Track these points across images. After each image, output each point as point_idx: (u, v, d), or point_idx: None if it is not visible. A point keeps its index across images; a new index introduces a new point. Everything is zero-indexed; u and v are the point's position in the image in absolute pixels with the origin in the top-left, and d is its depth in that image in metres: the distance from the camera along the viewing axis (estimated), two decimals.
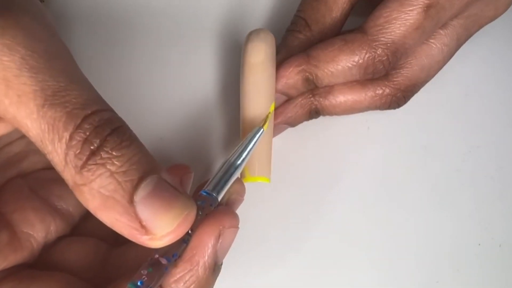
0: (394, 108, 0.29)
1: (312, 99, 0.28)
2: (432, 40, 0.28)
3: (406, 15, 0.25)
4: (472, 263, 0.29)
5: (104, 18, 0.32)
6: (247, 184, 0.25)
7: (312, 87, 0.28)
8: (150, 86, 0.31)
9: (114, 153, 0.18)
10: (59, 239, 0.23)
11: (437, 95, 0.31)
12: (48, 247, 0.23)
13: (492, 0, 0.28)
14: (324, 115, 0.29)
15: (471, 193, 0.31)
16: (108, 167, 0.18)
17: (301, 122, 0.29)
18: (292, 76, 0.27)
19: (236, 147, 0.24)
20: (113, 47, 0.31)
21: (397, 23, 0.26)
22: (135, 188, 0.18)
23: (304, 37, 0.28)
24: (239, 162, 0.23)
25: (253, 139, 0.24)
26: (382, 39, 0.26)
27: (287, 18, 0.30)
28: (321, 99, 0.28)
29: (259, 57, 0.26)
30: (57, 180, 0.23)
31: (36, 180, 0.23)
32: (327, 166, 0.30)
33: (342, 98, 0.28)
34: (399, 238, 0.30)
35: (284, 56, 0.28)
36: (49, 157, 0.18)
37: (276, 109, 0.28)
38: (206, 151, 0.30)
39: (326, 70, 0.27)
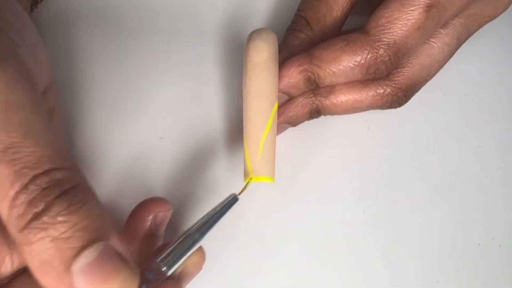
0: (395, 107, 0.29)
1: (313, 98, 0.28)
2: (433, 40, 0.28)
3: (407, 15, 0.25)
4: (472, 263, 0.29)
5: (104, 18, 0.31)
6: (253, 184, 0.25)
7: (314, 87, 0.28)
8: (150, 86, 0.31)
9: (58, 218, 0.17)
10: (16, 274, 0.22)
11: (437, 95, 0.31)
12: (4, 284, 0.22)
13: None
14: (325, 114, 0.29)
15: (471, 193, 0.31)
16: (50, 232, 0.17)
17: (302, 121, 0.29)
18: (294, 76, 0.27)
19: (205, 214, 0.23)
20: (113, 47, 0.31)
21: (399, 24, 0.26)
22: (74, 256, 0.17)
23: (305, 36, 0.28)
24: (198, 236, 0.22)
25: (224, 209, 0.23)
26: (384, 39, 0.26)
27: (287, 18, 0.30)
28: (322, 99, 0.28)
29: (262, 56, 0.26)
30: None
31: None
32: (327, 165, 0.30)
33: (343, 97, 0.28)
34: (399, 238, 0.30)
35: (285, 55, 0.28)
36: None
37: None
38: (206, 151, 0.30)
39: (328, 70, 0.26)
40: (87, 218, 0.18)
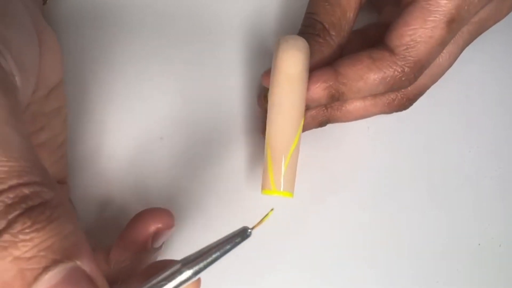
0: (399, 111, 0.30)
1: (325, 111, 0.29)
2: None
3: (430, 32, 0.25)
4: (472, 263, 0.30)
5: (104, 19, 0.31)
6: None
7: (331, 102, 0.28)
8: (150, 86, 0.30)
9: (20, 237, 0.16)
10: None
11: (438, 95, 0.31)
12: None
13: (499, 4, 0.28)
14: (332, 123, 0.30)
15: (471, 193, 0.31)
16: (10, 251, 0.16)
17: (309, 130, 0.29)
18: (318, 92, 0.26)
19: (205, 246, 0.19)
20: (113, 47, 0.31)
21: (423, 42, 0.26)
22: (35, 278, 0.16)
23: (324, 41, 0.27)
24: (191, 274, 0.18)
25: (230, 246, 0.19)
26: (409, 58, 0.26)
27: (298, 18, 0.29)
28: (333, 111, 0.29)
29: (298, 68, 0.25)
30: None
31: None
32: (327, 165, 0.30)
33: (353, 108, 0.29)
34: (399, 238, 0.30)
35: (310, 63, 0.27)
36: None
37: None
38: (206, 151, 0.30)
39: (354, 88, 0.26)
40: (53, 237, 0.16)
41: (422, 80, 0.29)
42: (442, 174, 0.31)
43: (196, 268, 0.18)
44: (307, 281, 0.28)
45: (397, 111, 0.30)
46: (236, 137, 0.30)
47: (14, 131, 0.17)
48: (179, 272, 0.18)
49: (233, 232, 0.19)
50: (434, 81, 0.29)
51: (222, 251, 0.19)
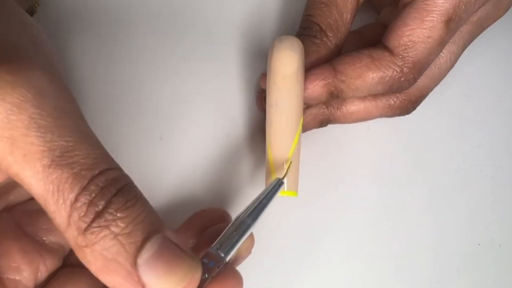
0: (403, 115, 0.30)
1: (325, 110, 0.29)
2: None
3: (429, 32, 0.26)
4: (472, 263, 0.29)
5: (104, 18, 0.32)
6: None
7: (333, 99, 0.28)
8: (150, 86, 0.31)
9: (118, 215, 0.18)
10: (53, 274, 0.22)
11: (438, 95, 0.31)
12: None
13: (497, 2, 0.28)
14: (333, 123, 0.30)
15: (471, 193, 0.31)
16: (112, 229, 0.17)
17: (310, 129, 0.29)
18: (317, 90, 0.26)
19: (252, 200, 0.23)
20: (113, 47, 0.31)
21: (421, 42, 0.26)
22: (138, 250, 0.18)
23: (321, 42, 0.28)
24: (251, 221, 0.22)
25: (271, 194, 0.23)
26: (408, 59, 0.26)
27: (296, 19, 0.30)
28: (333, 110, 0.29)
29: (293, 68, 0.25)
30: (44, 211, 0.23)
31: (23, 213, 0.23)
32: (327, 165, 0.30)
33: (354, 108, 0.29)
34: (399, 238, 0.30)
35: (306, 63, 0.27)
36: (51, 216, 0.18)
37: None
38: (206, 151, 0.30)
39: (352, 86, 0.26)
40: (143, 212, 0.18)
41: (423, 81, 0.29)
42: (442, 174, 0.31)
43: (252, 216, 0.22)
44: (308, 280, 0.29)
45: (399, 114, 0.29)
46: (237, 137, 0.30)
47: (86, 124, 0.19)
48: (241, 221, 0.22)
49: (271, 184, 0.24)
50: (436, 82, 0.29)
51: (266, 199, 0.23)
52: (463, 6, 0.25)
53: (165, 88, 0.31)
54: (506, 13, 0.29)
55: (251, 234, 0.23)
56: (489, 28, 0.30)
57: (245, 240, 0.22)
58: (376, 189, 0.30)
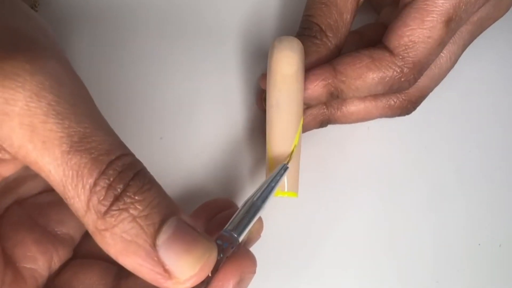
0: (403, 115, 0.30)
1: (325, 110, 0.29)
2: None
3: (429, 32, 0.26)
4: (472, 263, 0.29)
5: (103, 18, 0.32)
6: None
7: (333, 99, 0.28)
8: (150, 86, 0.31)
9: (136, 198, 0.18)
10: (64, 265, 0.23)
11: (438, 95, 0.31)
12: (53, 278, 0.22)
13: (497, 2, 0.28)
14: (333, 124, 0.30)
15: (471, 193, 0.31)
16: (130, 211, 0.18)
17: (310, 130, 0.29)
18: (318, 90, 0.26)
19: (260, 185, 0.24)
20: (112, 47, 0.31)
21: (421, 42, 0.26)
22: (157, 231, 0.18)
23: (321, 43, 0.28)
24: (261, 203, 0.23)
25: (278, 177, 0.24)
26: (408, 59, 0.26)
27: (296, 21, 0.30)
28: (333, 110, 0.29)
29: (293, 68, 0.25)
30: (55, 203, 0.23)
31: (34, 206, 0.23)
32: (327, 166, 0.30)
33: (354, 109, 0.29)
34: (399, 238, 0.30)
35: (306, 63, 0.27)
36: (69, 201, 0.18)
37: None
38: (206, 151, 0.30)
39: (352, 86, 0.27)
40: (158, 196, 0.19)
41: (423, 82, 0.29)
42: (442, 174, 0.31)
43: (261, 198, 0.23)
44: (308, 280, 0.29)
45: (400, 115, 0.30)
46: (237, 137, 0.30)
47: (99, 111, 0.20)
48: (251, 203, 0.23)
49: (277, 169, 0.25)
50: (436, 82, 0.29)
51: (273, 182, 0.24)
52: (463, 6, 0.25)
53: (165, 88, 0.31)
54: (506, 14, 0.29)
55: (260, 218, 0.24)
56: (489, 28, 0.30)
57: (255, 223, 0.23)
58: (376, 189, 0.30)
